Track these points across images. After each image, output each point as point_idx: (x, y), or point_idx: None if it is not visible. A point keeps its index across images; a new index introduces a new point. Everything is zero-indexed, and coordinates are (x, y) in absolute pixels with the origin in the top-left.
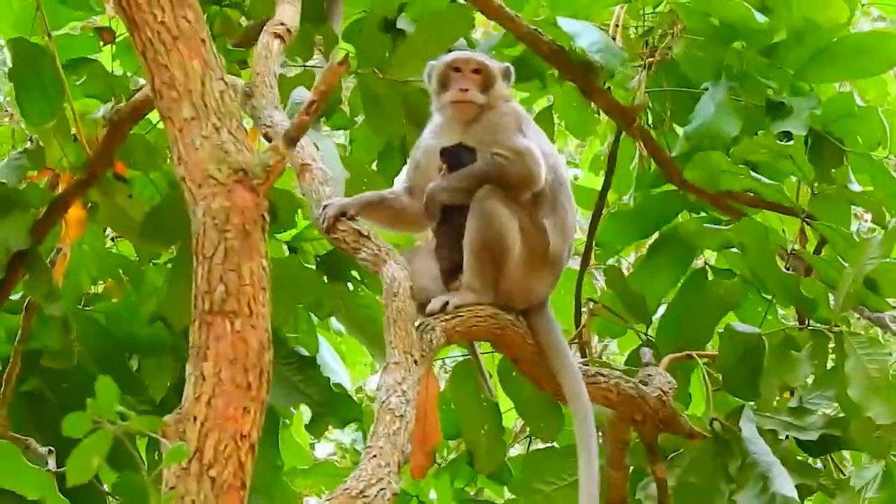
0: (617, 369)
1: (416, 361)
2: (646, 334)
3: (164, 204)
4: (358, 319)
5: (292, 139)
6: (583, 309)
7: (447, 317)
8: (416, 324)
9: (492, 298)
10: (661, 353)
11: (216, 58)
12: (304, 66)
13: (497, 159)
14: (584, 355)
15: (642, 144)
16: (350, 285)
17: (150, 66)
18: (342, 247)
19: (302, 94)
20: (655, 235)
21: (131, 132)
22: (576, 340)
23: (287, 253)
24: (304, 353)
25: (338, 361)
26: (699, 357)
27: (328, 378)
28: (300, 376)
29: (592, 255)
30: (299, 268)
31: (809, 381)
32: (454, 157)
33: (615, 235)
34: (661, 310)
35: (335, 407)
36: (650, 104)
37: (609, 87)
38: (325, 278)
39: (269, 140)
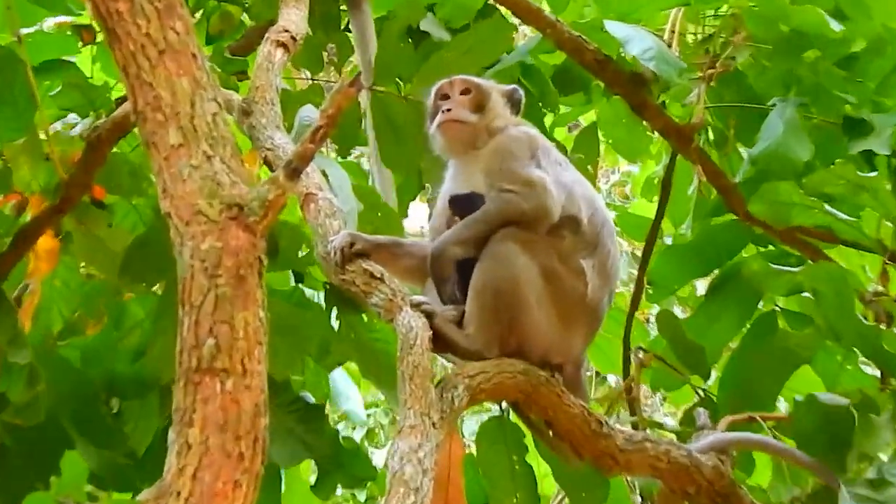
0: (669, 430)
1: (434, 424)
2: (703, 389)
3: (150, 235)
4: (372, 357)
5: (295, 170)
6: (632, 358)
7: (471, 372)
8: (436, 381)
9: (496, 353)
10: (721, 411)
11: (208, 75)
12: (313, 79)
13: (505, 196)
14: (631, 413)
15: (701, 169)
16: (364, 316)
17: (132, 84)
18: (352, 290)
19: (310, 114)
20: (716, 273)
21: (112, 151)
22: (623, 395)
23: (292, 280)
24: (311, 399)
25: (349, 383)
26: (765, 420)
27: (337, 431)
28: (305, 427)
29: (643, 295)
30: (303, 306)
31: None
32: (464, 205)
33: (670, 272)
34: (723, 361)
35: (345, 464)
36: (710, 122)
37: (663, 102)
38: (334, 311)
39: (269, 165)
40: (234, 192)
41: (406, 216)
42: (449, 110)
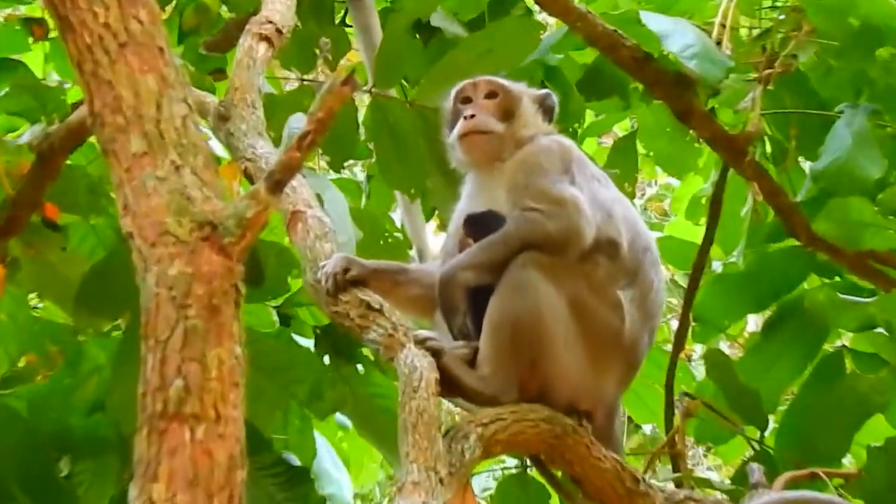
0: (717, 489)
1: (441, 481)
2: (759, 442)
3: (111, 261)
4: (369, 414)
5: (278, 183)
6: (675, 405)
7: (485, 420)
8: (444, 430)
9: (514, 398)
10: (779, 467)
11: (177, 72)
12: (303, 80)
13: (529, 215)
14: (675, 469)
15: (756, 186)
16: (360, 367)
17: (88, 82)
18: (345, 324)
19: (301, 124)
20: (774, 307)
21: (67, 163)
22: (665, 448)
23: (277, 323)
24: (295, 461)
25: (337, 464)
26: (830, 476)
27: (324, 498)
28: (288, 494)
29: (689, 333)
30: (291, 347)
31: None
32: (480, 226)
33: (719, 306)
34: (781, 408)
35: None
36: (768, 131)
37: (713, 108)
38: (326, 359)
39: (249, 178)
40: (207, 209)
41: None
42: (472, 117)
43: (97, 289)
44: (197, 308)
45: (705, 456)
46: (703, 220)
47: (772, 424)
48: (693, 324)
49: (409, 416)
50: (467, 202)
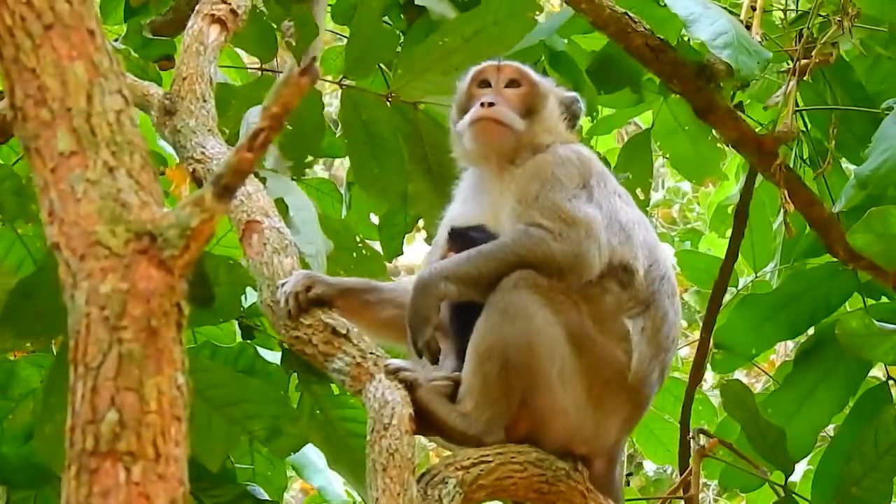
0: None
1: None
2: (784, 488)
3: (41, 275)
4: (342, 443)
5: (226, 188)
6: (691, 444)
7: (466, 463)
8: (419, 474)
9: (499, 438)
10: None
11: (111, 59)
12: (263, 69)
13: (533, 231)
14: None
15: (787, 194)
16: (334, 386)
17: (8, 69)
18: (306, 351)
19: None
20: (809, 333)
21: None
22: (679, 494)
23: (238, 335)
24: (262, 494)
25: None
26: None
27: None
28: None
29: (709, 360)
30: (251, 371)
31: None
32: (466, 243)
33: (746, 332)
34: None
35: None
36: (804, 128)
37: (740, 103)
38: (294, 376)
39: (198, 181)
40: (145, 217)
41: (396, 255)
42: (491, 105)
43: (25, 307)
44: (133, 330)
45: (716, 501)
46: (728, 232)
47: (806, 466)
48: (714, 351)
49: (378, 457)
50: (461, 206)
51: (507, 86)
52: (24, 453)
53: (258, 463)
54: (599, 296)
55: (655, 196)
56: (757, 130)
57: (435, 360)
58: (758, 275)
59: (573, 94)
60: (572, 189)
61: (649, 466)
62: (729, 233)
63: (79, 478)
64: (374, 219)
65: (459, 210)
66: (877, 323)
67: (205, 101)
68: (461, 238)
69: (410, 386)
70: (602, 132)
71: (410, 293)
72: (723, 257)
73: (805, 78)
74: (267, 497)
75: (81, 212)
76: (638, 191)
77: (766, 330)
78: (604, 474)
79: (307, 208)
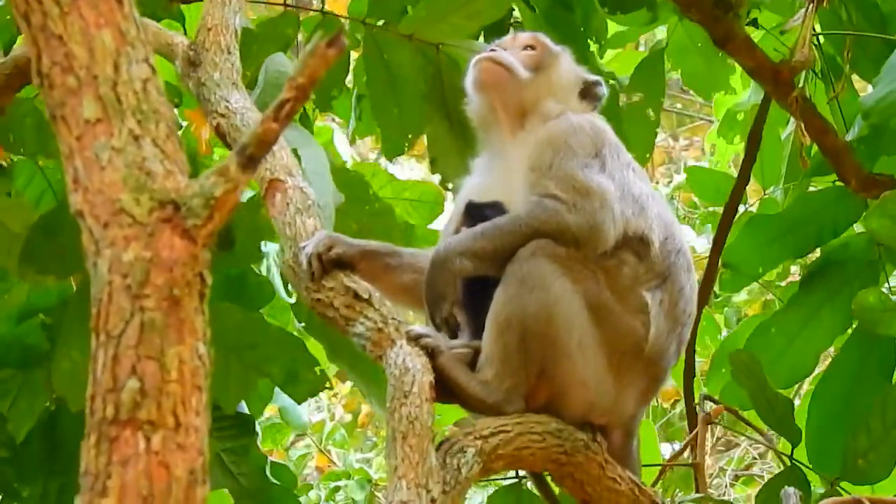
0: None
1: (433, 501)
2: (791, 457)
3: (61, 211)
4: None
5: (251, 158)
6: (696, 409)
7: (485, 432)
8: (438, 442)
9: (519, 408)
10: (813, 462)
11: (139, 27)
12: (286, 4)
13: (548, 203)
14: (697, 488)
15: (803, 126)
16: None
17: (35, 36)
18: (328, 314)
19: (281, 64)
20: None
21: (15, 97)
22: (686, 457)
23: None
24: (242, 407)
25: None
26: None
27: (265, 459)
28: (228, 445)
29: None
30: (262, 321)
31: None
32: (482, 218)
33: (752, 252)
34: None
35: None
36: (816, 43)
37: (755, 20)
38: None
39: (221, 136)
40: (169, 186)
41: None
42: (495, 51)
43: (45, 243)
44: (155, 299)
45: (732, 486)
46: (739, 139)
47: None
48: (722, 271)
49: (398, 426)
50: (477, 177)
51: (523, 49)
52: (18, 333)
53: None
54: (616, 267)
55: (677, 178)
56: (770, 60)
57: (454, 335)
58: (766, 193)
59: (596, 77)
60: (585, 158)
61: (664, 449)
62: (737, 139)
63: (98, 446)
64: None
65: (475, 181)
66: (893, 298)
67: (229, 52)
68: (478, 214)
69: (432, 353)
70: (614, 46)
71: (428, 259)
72: (728, 169)
73: (823, 3)
74: (247, 413)
75: (106, 180)
76: (649, 111)
77: (772, 250)
78: (621, 446)
79: (320, 159)
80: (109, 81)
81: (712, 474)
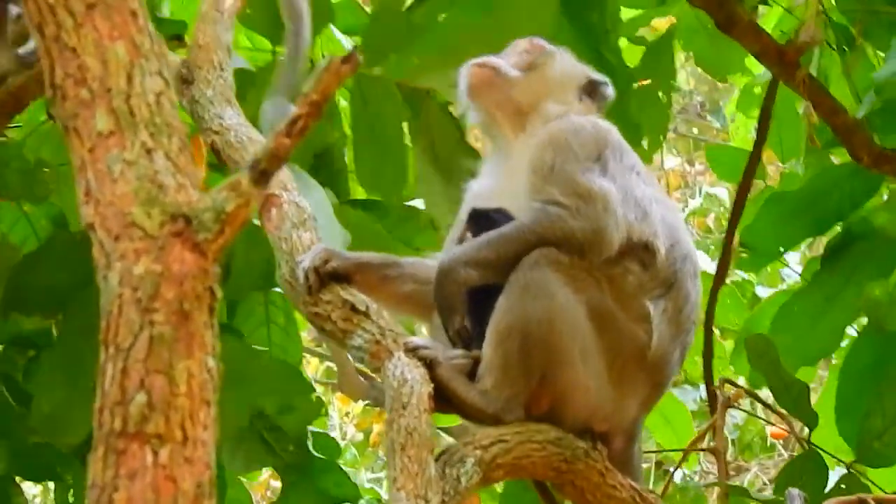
0: (756, 499)
1: None
2: (808, 441)
3: (44, 253)
4: None
5: (263, 173)
6: (716, 392)
7: (485, 442)
8: (437, 452)
9: (519, 416)
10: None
11: (153, 40)
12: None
13: (552, 210)
14: (722, 471)
15: (811, 106)
16: None
17: (48, 48)
18: (326, 328)
19: (284, 109)
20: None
21: (2, 142)
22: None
23: None
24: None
25: None
26: (883, 502)
27: (307, 432)
28: (265, 423)
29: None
30: (258, 353)
31: None
32: (487, 226)
33: (771, 230)
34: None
35: (316, 476)
36: (832, 24)
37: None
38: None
39: (216, 153)
40: (181, 200)
41: None
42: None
43: (26, 284)
44: (165, 313)
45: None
46: (756, 113)
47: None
48: (740, 251)
49: (397, 437)
50: (481, 180)
51: (517, 55)
52: None
53: (274, 333)
54: (621, 276)
55: (692, 203)
56: (777, 43)
57: (467, 346)
58: (785, 167)
59: (601, 77)
60: (586, 161)
61: (677, 476)
62: (755, 113)
63: (106, 459)
64: None
65: (480, 185)
66: None
67: (222, 69)
68: (483, 220)
69: (430, 364)
70: (626, 34)
71: (429, 268)
72: (749, 144)
73: None
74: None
75: (117, 192)
76: (660, 94)
77: (792, 227)
78: (622, 452)
79: (325, 205)
80: (123, 94)
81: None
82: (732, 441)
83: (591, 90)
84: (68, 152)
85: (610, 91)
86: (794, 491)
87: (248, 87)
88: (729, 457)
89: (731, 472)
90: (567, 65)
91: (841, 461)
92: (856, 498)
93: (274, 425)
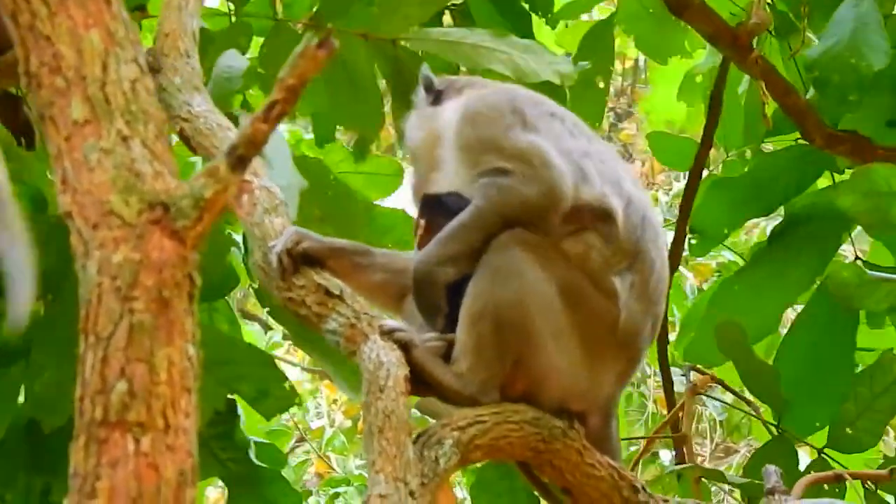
0: (730, 482)
1: (412, 493)
2: (778, 428)
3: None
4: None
5: (240, 159)
6: (679, 375)
7: (462, 423)
8: (416, 435)
9: (495, 398)
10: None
11: (128, 27)
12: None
13: (500, 183)
14: (679, 459)
15: (764, 86)
16: None
17: (23, 36)
18: (300, 312)
19: (234, 62)
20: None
21: None
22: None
23: None
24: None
25: None
26: (857, 478)
27: (250, 442)
28: (214, 431)
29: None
30: (233, 339)
31: None
32: (440, 210)
33: (718, 215)
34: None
35: (260, 486)
36: (774, 11)
37: None
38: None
39: (186, 140)
40: (159, 187)
41: None
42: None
43: None
44: (145, 301)
45: (731, 492)
46: (697, 103)
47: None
48: (690, 237)
49: (374, 419)
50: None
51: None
52: None
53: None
54: (585, 253)
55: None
56: (727, 24)
57: (436, 312)
58: (729, 155)
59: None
60: (504, 121)
61: (665, 456)
62: (697, 103)
63: (87, 448)
64: None
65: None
66: (868, 272)
67: (189, 57)
68: (436, 205)
69: (405, 346)
70: (567, 17)
71: (401, 259)
72: (685, 129)
73: None
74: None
75: (95, 181)
76: (598, 79)
77: (739, 211)
78: (600, 430)
79: (280, 146)
80: (98, 82)
81: (700, 442)
82: (720, 422)
83: (427, 84)
84: (46, 141)
85: (423, 72)
86: (771, 468)
87: (208, 47)
88: (718, 438)
89: (720, 454)
90: (420, 114)
91: (812, 446)
92: (833, 474)
93: (221, 432)
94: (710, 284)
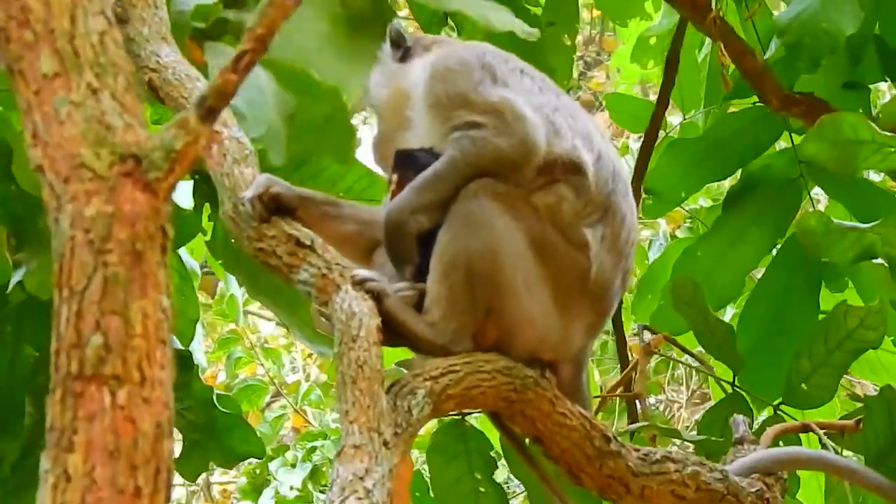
0: (687, 440)
1: (386, 443)
2: (733, 385)
3: None
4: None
5: (210, 110)
6: (632, 336)
7: (435, 373)
8: (388, 386)
9: (467, 347)
10: (756, 409)
11: None
12: None
13: (474, 135)
14: (632, 418)
15: (722, 48)
16: None
17: None
18: (271, 262)
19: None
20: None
21: None
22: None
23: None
24: (176, 343)
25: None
26: (823, 428)
27: (211, 391)
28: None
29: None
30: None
31: None
32: (412, 165)
33: (674, 177)
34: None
35: (221, 435)
36: None
37: None
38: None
39: (155, 91)
40: (130, 139)
41: None
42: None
43: None
44: (118, 254)
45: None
46: (652, 64)
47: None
48: (645, 198)
49: (347, 370)
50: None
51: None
52: None
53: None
54: (556, 205)
55: None
56: None
57: (421, 294)
58: (686, 117)
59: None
60: (474, 76)
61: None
62: (651, 64)
63: (64, 402)
64: None
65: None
66: (834, 221)
67: (157, 7)
68: (409, 160)
69: (378, 296)
70: None
71: (369, 211)
72: (640, 93)
73: None
74: (180, 346)
75: (65, 134)
76: (565, 37)
77: (695, 174)
78: (571, 381)
79: (253, 84)
80: (66, 35)
81: (688, 427)
82: (696, 369)
83: (396, 38)
84: (16, 95)
85: (396, 27)
86: (740, 417)
87: None
88: (694, 385)
89: (696, 401)
90: (383, 69)
91: (767, 402)
92: (800, 424)
93: (177, 383)
94: (668, 245)
